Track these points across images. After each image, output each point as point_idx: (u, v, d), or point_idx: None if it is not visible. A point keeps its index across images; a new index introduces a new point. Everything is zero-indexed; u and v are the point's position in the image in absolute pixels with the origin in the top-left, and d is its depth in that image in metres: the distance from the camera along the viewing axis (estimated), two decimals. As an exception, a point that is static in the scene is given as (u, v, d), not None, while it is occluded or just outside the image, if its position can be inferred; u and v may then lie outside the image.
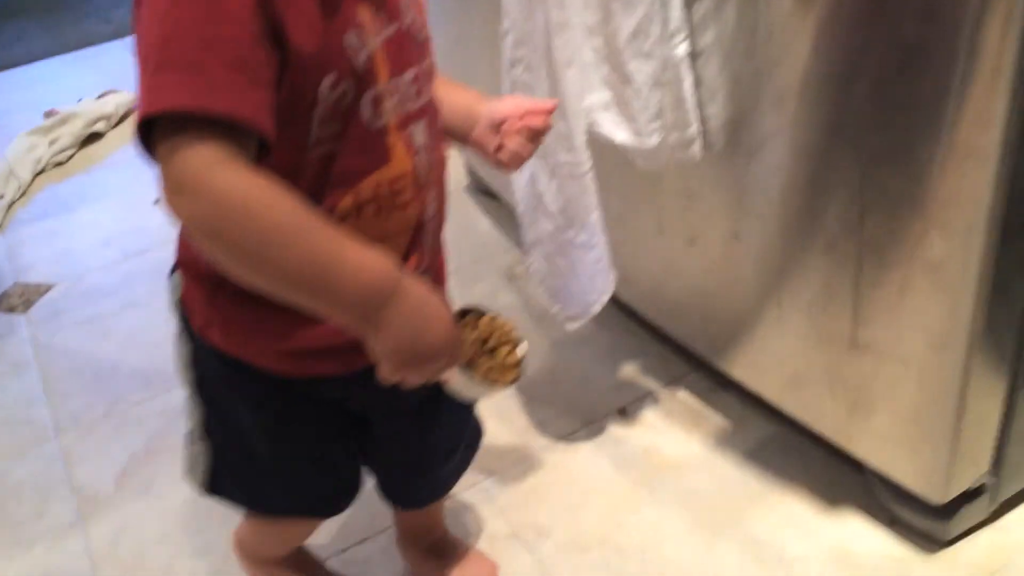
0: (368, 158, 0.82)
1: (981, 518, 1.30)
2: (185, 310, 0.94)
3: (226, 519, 1.44)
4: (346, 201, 0.82)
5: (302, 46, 0.74)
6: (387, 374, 0.80)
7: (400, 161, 0.85)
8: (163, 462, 1.58)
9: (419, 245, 0.90)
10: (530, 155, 1.01)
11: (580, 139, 1.23)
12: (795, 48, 1.11)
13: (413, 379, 0.80)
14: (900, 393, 1.19)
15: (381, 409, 1.03)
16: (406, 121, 0.85)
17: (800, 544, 1.32)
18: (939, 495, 1.22)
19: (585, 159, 1.25)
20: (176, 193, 0.71)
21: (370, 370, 0.82)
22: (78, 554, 1.43)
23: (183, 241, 0.91)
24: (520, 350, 0.92)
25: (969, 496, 1.25)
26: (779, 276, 1.28)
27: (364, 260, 0.75)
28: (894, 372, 1.18)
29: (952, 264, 1.06)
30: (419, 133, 0.86)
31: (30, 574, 1.41)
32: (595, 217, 1.29)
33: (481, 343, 0.92)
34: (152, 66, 0.70)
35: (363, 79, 0.80)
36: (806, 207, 1.19)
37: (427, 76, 0.88)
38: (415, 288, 0.78)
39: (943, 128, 1.00)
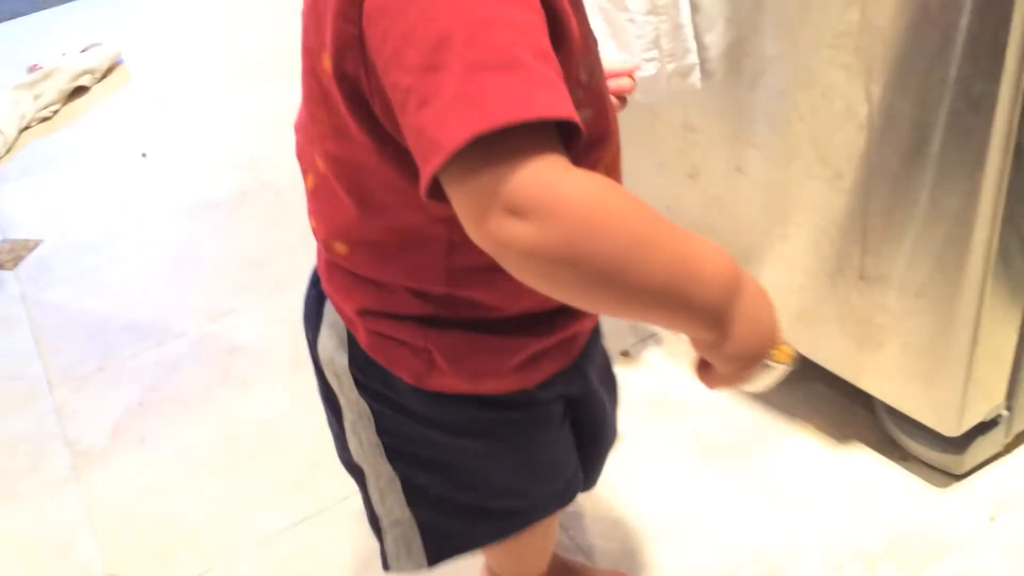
0: (605, 140, 0.75)
1: (995, 451, 1.27)
2: (376, 370, 0.80)
3: (222, 469, 1.43)
4: None
5: (569, 20, 0.63)
6: (728, 378, 0.68)
7: (615, 136, 0.77)
8: (157, 414, 1.55)
9: None
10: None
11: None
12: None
13: (749, 376, 0.68)
14: (911, 324, 1.15)
15: (590, 387, 0.93)
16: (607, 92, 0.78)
17: (811, 482, 1.29)
18: (953, 428, 1.19)
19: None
20: (516, 218, 0.55)
21: (586, 352, 0.80)
22: (73, 507, 1.41)
23: (357, 286, 0.78)
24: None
25: (983, 428, 1.23)
26: (784, 208, 1.24)
27: (713, 253, 0.62)
28: (905, 303, 1.14)
29: (964, 188, 1.03)
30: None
31: (25, 528, 1.39)
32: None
33: None
34: (459, 68, 0.55)
35: (592, 50, 0.71)
36: (811, 134, 1.15)
37: None
38: (749, 275, 0.66)
39: (956, 45, 0.96)
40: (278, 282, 1.80)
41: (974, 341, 1.12)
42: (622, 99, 0.90)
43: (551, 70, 0.57)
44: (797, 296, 1.28)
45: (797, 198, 1.21)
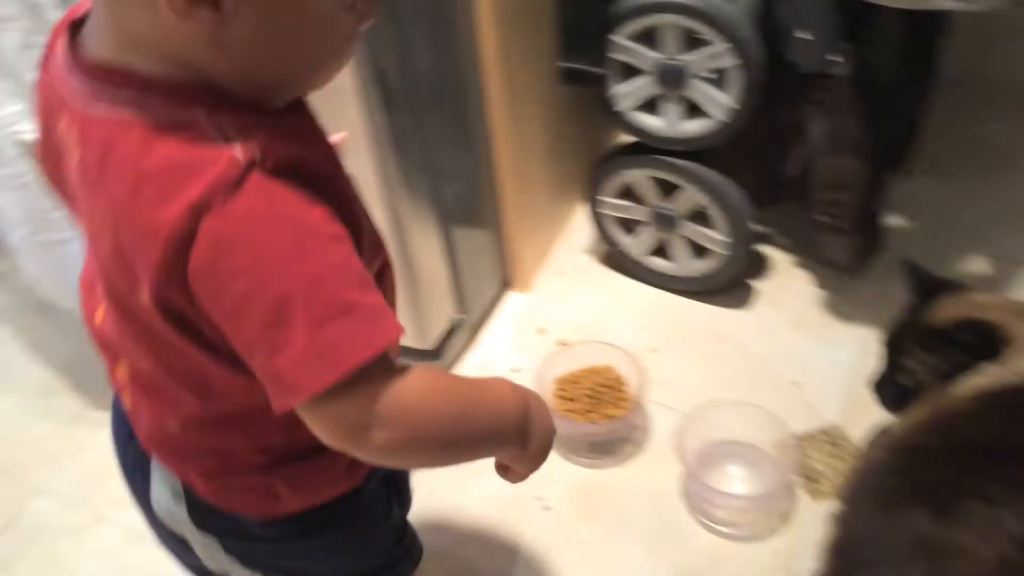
0: (385, 267, 0.83)
1: (464, 345, 1.62)
2: (218, 514, 0.85)
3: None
4: None
5: (362, 224, 0.72)
6: (529, 472, 0.84)
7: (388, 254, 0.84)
8: None
9: None
10: None
11: (9, 152, 1.28)
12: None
13: (540, 467, 0.84)
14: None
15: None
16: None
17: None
18: (425, 343, 1.50)
19: (25, 170, 1.29)
20: (370, 429, 0.67)
21: None
22: None
23: (193, 456, 0.82)
24: None
25: (451, 334, 1.55)
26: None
27: (505, 393, 0.79)
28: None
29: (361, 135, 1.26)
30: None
31: None
32: (58, 215, 1.34)
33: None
34: (305, 323, 0.62)
35: (365, 215, 0.76)
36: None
37: None
38: (525, 389, 0.81)
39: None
40: None
41: (413, 271, 1.41)
42: None
43: (371, 292, 0.66)
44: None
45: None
